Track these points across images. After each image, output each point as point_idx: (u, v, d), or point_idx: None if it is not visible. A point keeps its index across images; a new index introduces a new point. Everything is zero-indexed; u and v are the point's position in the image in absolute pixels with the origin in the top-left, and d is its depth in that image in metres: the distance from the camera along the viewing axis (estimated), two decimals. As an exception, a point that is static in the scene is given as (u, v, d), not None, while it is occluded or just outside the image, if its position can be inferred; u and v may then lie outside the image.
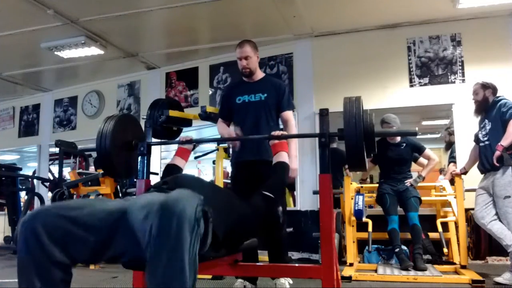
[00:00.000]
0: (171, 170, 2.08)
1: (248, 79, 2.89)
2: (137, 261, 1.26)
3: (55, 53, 5.22)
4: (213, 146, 4.60)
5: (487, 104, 3.35)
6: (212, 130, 5.10)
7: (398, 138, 3.88)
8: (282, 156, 2.02)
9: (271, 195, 1.85)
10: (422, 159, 3.98)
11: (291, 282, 2.84)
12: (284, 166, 2.00)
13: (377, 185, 4.07)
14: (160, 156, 5.72)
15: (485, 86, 3.38)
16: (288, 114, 2.83)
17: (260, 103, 2.77)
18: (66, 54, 5.28)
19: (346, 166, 3.62)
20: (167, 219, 1.10)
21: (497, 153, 3.07)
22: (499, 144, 3.07)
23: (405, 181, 3.82)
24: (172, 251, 1.07)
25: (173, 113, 3.42)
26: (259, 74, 2.89)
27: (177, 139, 2.34)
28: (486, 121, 3.33)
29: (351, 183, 3.94)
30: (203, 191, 1.59)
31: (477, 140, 3.46)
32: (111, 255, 1.31)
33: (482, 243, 3.44)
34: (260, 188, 1.88)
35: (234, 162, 2.91)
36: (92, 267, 4.01)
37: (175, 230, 1.08)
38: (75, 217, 1.26)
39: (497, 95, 3.35)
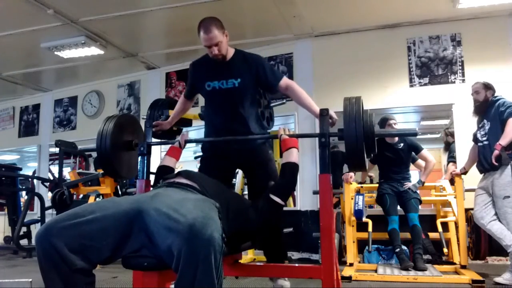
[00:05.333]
0: (164, 172, 2.02)
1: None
2: (152, 258, 1.37)
3: (55, 53, 5.22)
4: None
5: (487, 104, 3.35)
6: (212, 130, 5.10)
7: (396, 138, 3.88)
8: (293, 155, 1.91)
9: (280, 201, 1.79)
10: (419, 161, 3.99)
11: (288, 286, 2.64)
12: (294, 168, 1.90)
13: (377, 185, 4.07)
14: (160, 156, 5.72)
15: (487, 86, 3.36)
16: (283, 82, 2.37)
17: (234, 90, 2.33)
18: (66, 54, 5.29)
19: (346, 169, 3.64)
20: (197, 245, 1.20)
21: (496, 152, 3.06)
22: (498, 143, 3.07)
23: (404, 185, 3.82)
24: (203, 272, 1.19)
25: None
26: (230, 52, 2.38)
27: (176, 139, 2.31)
28: (485, 120, 3.33)
29: (351, 183, 3.94)
30: (214, 189, 1.62)
31: (475, 139, 3.46)
32: (128, 252, 1.38)
33: (482, 243, 3.44)
34: (268, 190, 1.83)
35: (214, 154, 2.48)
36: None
37: (205, 254, 1.20)
38: (90, 223, 1.31)
39: (495, 94, 3.35)
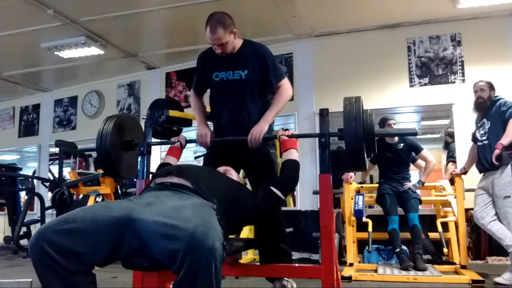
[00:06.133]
0: None
1: None
2: (152, 257, 1.34)
3: (55, 53, 5.22)
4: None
5: (488, 103, 3.35)
6: (212, 130, 5.09)
7: (396, 138, 3.88)
8: (293, 154, 1.94)
9: (280, 194, 1.79)
10: (419, 161, 3.99)
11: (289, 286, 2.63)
12: (295, 164, 1.91)
13: (377, 185, 4.07)
14: (160, 156, 5.72)
15: (492, 86, 3.37)
16: (280, 84, 2.34)
17: (241, 82, 2.32)
18: (66, 54, 5.29)
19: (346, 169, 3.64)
20: (199, 255, 1.19)
21: (497, 151, 3.06)
22: (499, 142, 3.07)
23: (404, 185, 3.82)
24: (203, 282, 1.19)
25: (173, 113, 3.42)
26: (237, 43, 2.38)
27: (172, 139, 2.29)
28: (485, 120, 3.33)
29: (351, 183, 3.94)
30: (208, 183, 1.60)
31: (474, 139, 3.46)
32: (124, 253, 1.36)
33: (482, 243, 3.44)
34: (270, 183, 1.83)
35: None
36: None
37: (206, 264, 1.19)
38: (80, 230, 1.30)
39: (495, 94, 3.36)
